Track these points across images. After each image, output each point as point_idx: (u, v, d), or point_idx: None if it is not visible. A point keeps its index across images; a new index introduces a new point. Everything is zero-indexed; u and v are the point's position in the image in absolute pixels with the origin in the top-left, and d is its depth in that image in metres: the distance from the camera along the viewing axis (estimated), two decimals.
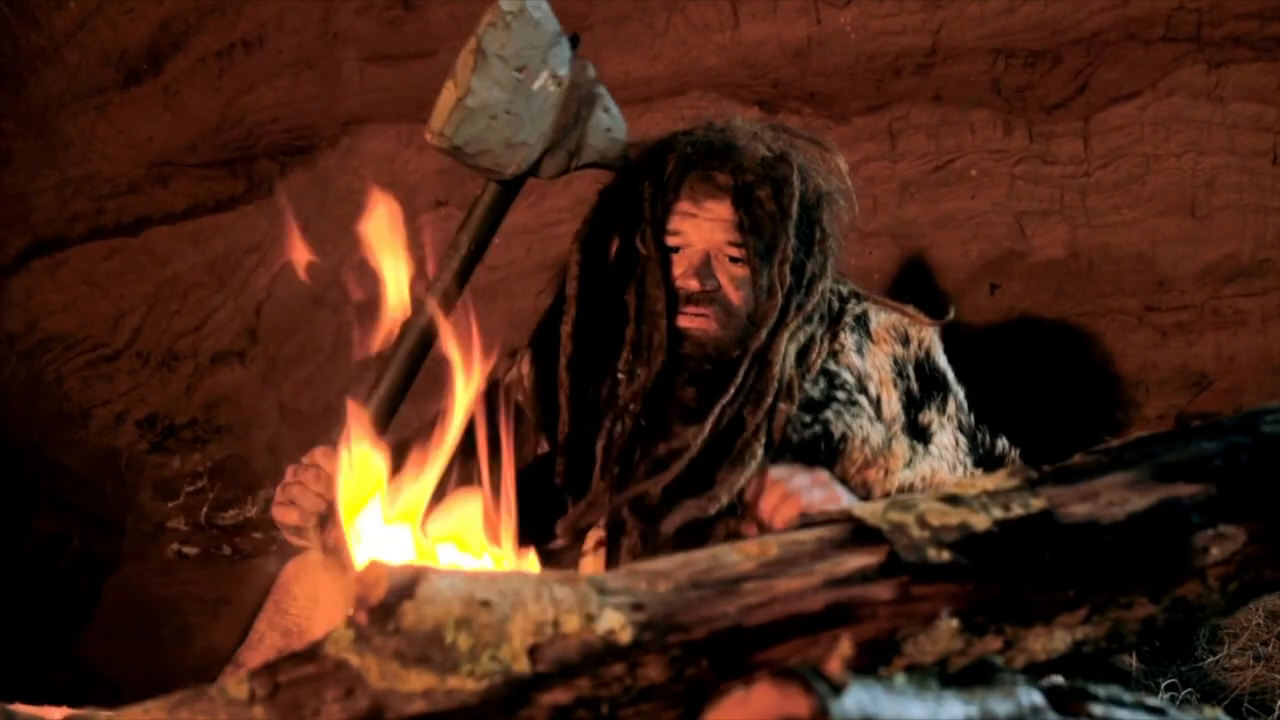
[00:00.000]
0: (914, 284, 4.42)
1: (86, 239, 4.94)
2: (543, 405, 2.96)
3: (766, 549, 1.39)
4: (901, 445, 2.90)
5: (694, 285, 2.88)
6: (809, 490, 2.61)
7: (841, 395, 2.90)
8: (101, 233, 4.94)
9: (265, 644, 2.77)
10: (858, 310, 3.04)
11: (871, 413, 2.92)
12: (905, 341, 3.02)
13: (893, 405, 2.93)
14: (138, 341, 4.94)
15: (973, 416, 3.02)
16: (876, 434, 2.89)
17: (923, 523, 1.40)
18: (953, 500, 1.43)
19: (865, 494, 2.81)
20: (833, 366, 2.94)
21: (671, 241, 2.94)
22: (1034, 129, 4.37)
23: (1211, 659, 3.59)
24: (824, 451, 2.82)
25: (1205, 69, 4.24)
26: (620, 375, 2.91)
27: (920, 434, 2.93)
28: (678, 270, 2.92)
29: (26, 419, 5.12)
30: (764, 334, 2.84)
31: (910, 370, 2.99)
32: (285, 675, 1.28)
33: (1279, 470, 1.50)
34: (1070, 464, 1.51)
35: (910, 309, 3.12)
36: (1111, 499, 1.45)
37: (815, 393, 2.89)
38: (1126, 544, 1.43)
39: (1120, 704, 1.29)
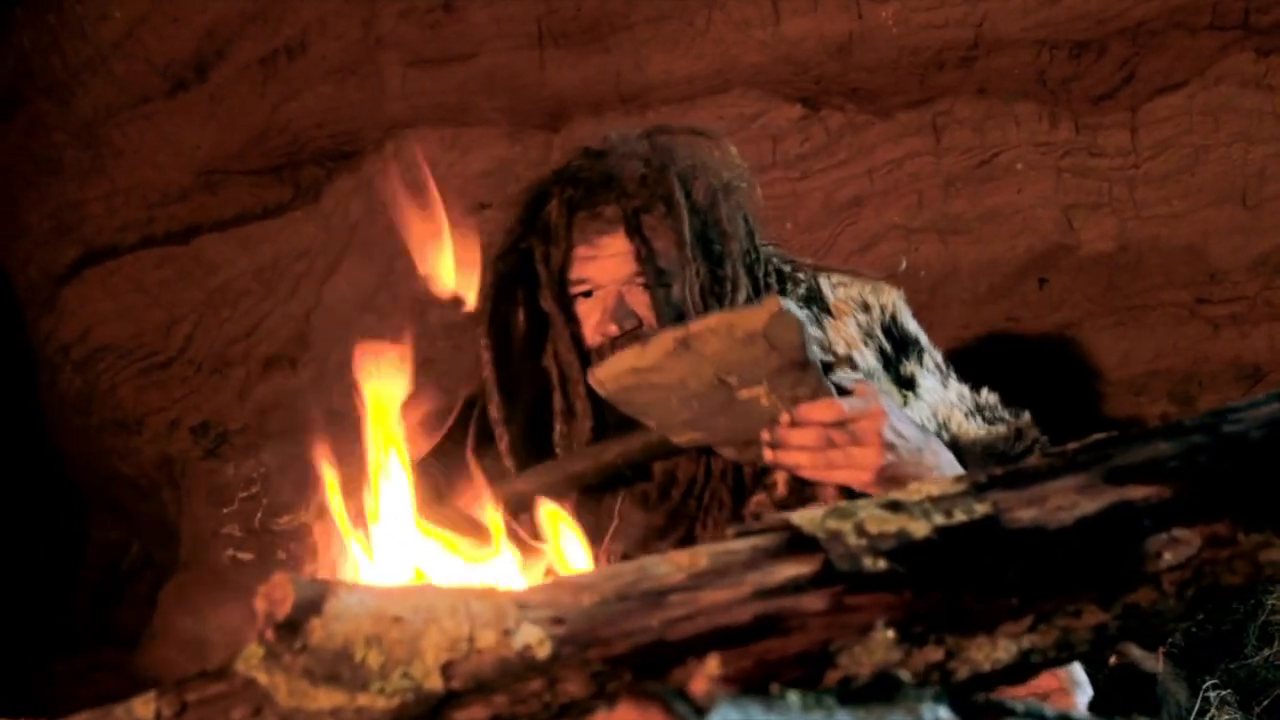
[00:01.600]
0: (961, 280, 4.38)
1: (138, 247, 4.97)
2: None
3: (697, 560, 1.36)
4: (888, 387, 2.83)
5: (612, 329, 2.79)
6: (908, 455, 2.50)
7: None
8: (152, 241, 4.96)
9: None
10: (802, 290, 2.95)
11: (845, 369, 2.84)
12: (865, 309, 2.93)
13: (868, 360, 2.84)
14: (190, 349, 4.96)
15: (953, 373, 2.96)
16: (856, 380, 2.82)
17: (860, 530, 1.37)
18: (894, 506, 1.40)
19: None
20: None
21: (578, 290, 2.84)
22: (1080, 121, 4.33)
23: (1259, 656, 3.52)
24: None
25: (1254, 56, 4.19)
26: (558, 450, 2.84)
27: (906, 383, 2.86)
28: (594, 317, 2.83)
29: (82, 427, 5.17)
30: None
31: (878, 332, 2.91)
32: (193, 694, 1.27)
33: (1239, 472, 1.45)
34: (1021, 467, 1.47)
35: (866, 271, 3.06)
36: (1060, 503, 1.41)
37: None
38: (1074, 550, 1.39)
39: (1041, 718, 1.26)
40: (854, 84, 4.42)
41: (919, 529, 1.37)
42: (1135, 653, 2.81)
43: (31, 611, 5.25)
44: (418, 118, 4.66)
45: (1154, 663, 2.85)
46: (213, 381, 4.97)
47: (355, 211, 4.74)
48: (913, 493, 1.43)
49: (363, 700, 1.24)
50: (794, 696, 1.15)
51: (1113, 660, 2.72)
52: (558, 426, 2.86)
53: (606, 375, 2.48)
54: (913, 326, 2.98)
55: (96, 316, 5.02)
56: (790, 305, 2.36)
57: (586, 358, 2.83)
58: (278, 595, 1.26)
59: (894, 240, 4.42)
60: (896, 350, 2.89)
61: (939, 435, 2.77)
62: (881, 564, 1.34)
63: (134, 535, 5.42)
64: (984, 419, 2.87)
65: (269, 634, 1.26)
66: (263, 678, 1.25)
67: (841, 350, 2.84)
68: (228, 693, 1.26)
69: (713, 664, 1.10)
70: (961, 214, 4.38)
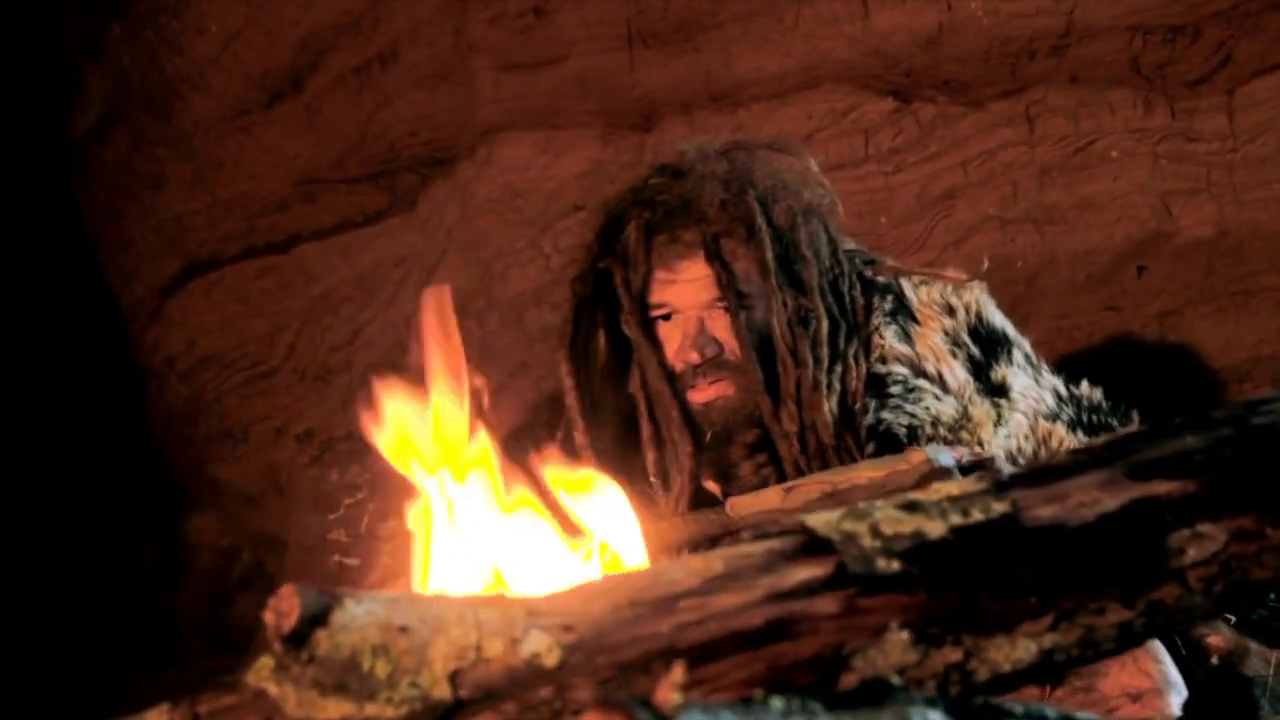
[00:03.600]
0: (1058, 270, 4.33)
1: (239, 258, 5.03)
2: None
3: (712, 564, 1.36)
4: (981, 409, 2.79)
5: (694, 358, 2.80)
6: None
7: (895, 390, 2.80)
8: (253, 251, 5.02)
9: None
10: (889, 304, 2.92)
11: (935, 390, 2.81)
12: (951, 312, 2.90)
13: (958, 375, 2.82)
14: (293, 358, 5.01)
15: (1044, 364, 2.93)
16: (948, 408, 2.79)
17: (875, 531, 1.36)
18: (910, 507, 1.39)
19: None
20: (879, 369, 2.84)
21: (658, 314, 2.85)
22: (1176, 106, 4.26)
23: None
24: (898, 452, 2.70)
25: None
26: (653, 480, 2.83)
27: (999, 390, 2.83)
28: (674, 344, 2.84)
29: (189, 437, 5.23)
30: (795, 409, 2.76)
31: (965, 337, 2.88)
32: (205, 707, 1.28)
33: (1267, 464, 1.43)
34: (1045, 464, 1.45)
35: (949, 272, 3.02)
36: (1082, 500, 1.39)
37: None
38: (1095, 547, 1.37)
39: (1042, 718, 1.24)
40: (945, 75, 4.39)
41: (935, 529, 1.36)
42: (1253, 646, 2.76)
43: (143, 620, 5.33)
44: (510, 122, 4.67)
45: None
46: (316, 389, 5.01)
47: (451, 217, 4.77)
48: (932, 493, 1.42)
49: (371, 710, 1.24)
50: (777, 702, 1.14)
51: (1213, 660, 2.67)
52: (649, 454, 2.86)
53: (744, 506, 2.47)
54: (999, 320, 2.95)
55: (200, 327, 5.08)
56: (939, 454, 2.34)
57: (675, 378, 2.83)
58: (284, 607, 1.27)
59: (989, 232, 4.37)
60: (985, 353, 2.86)
61: (1036, 455, 2.75)
62: (895, 565, 1.33)
63: (243, 543, 5.48)
64: (1085, 425, 2.84)
65: (276, 646, 1.27)
66: (273, 689, 1.26)
67: (931, 368, 2.82)
68: (238, 704, 1.27)
69: (677, 672, 1.10)
70: (1057, 203, 4.33)
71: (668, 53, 4.54)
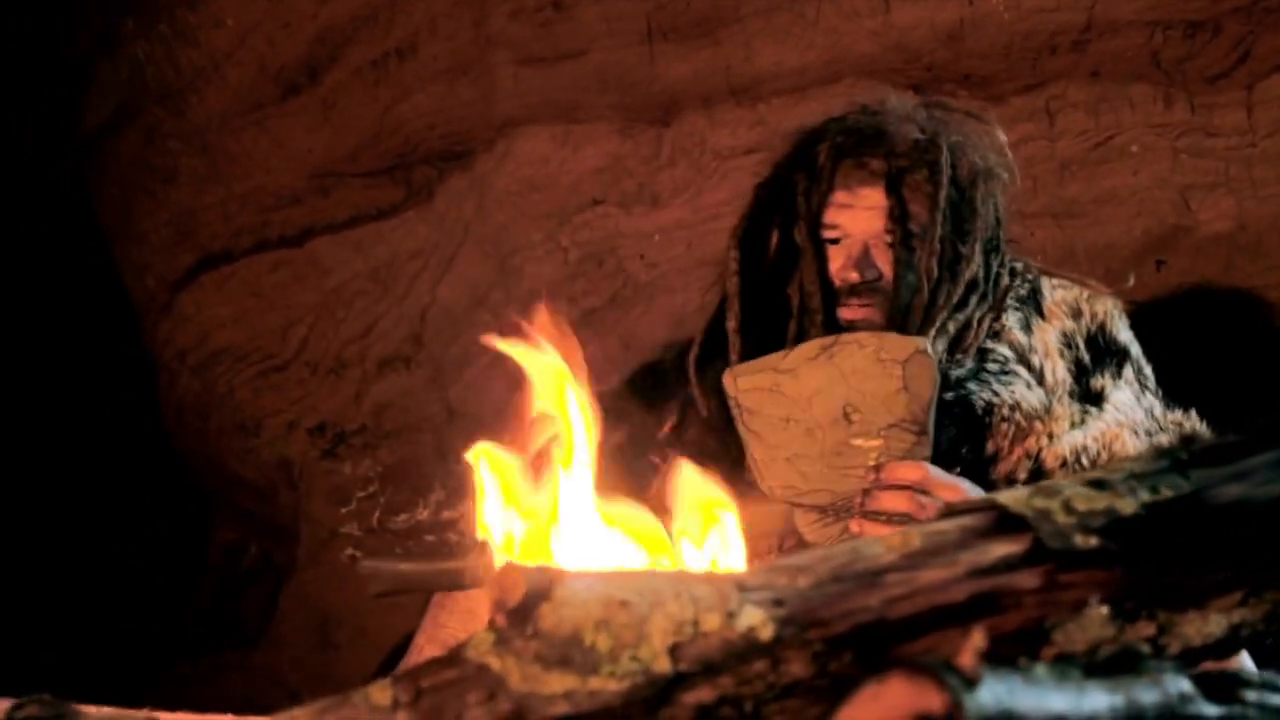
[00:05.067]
0: (1078, 264, 4.35)
1: (252, 252, 5.01)
2: (721, 403, 2.86)
3: (909, 540, 1.38)
4: (1065, 407, 2.84)
5: (854, 277, 2.87)
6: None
7: (992, 367, 2.86)
8: (267, 245, 5.00)
9: (424, 657, 2.77)
10: (1023, 290, 3.00)
11: (1030, 379, 2.87)
12: (1076, 315, 2.98)
13: (1058, 373, 2.88)
14: (306, 351, 4.99)
15: (1154, 388, 2.98)
16: (1032, 398, 2.84)
17: (1068, 508, 1.38)
18: (1099, 484, 1.41)
19: (1032, 465, 2.76)
20: (989, 344, 2.90)
21: (829, 235, 2.93)
22: (1195, 101, 4.29)
23: None
24: (970, 425, 2.76)
25: None
26: None
27: (1093, 399, 2.88)
28: (838, 262, 2.91)
29: (201, 431, 5.21)
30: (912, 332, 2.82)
31: (1079, 341, 2.94)
32: (427, 681, 1.29)
33: None
34: (1219, 443, 1.47)
35: (1091, 281, 3.08)
36: (1263, 478, 1.42)
37: (961, 371, 2.83)
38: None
39: (1276, 689, 1.26)
40: (966, 70, 4.41)
41: (1126, 506, 1.38)
42: None
43: (154, 614, 5.32)
44: (529, 116, 4.67)
45: None
46: (329, 383, 5.00)
47: (468, 210, 4.76)
48: (1114, 470, 1.44)
49: (594, 683, 1.26)
50: (1041, 668, 1.16)
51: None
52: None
53: (742, 372, 2.52)
54: (1123, 336, 3.01)
55: (213, 321, 5.06)
56: (934, 354, 2.41)
57: (832, 291, 2.92)
58: (509, 582, 1.29)
59: (1008, 226, 4.40)
60: (1094, 361, 2.92)
61: (1098, 457, 2.80)
62: (1093, 541, 1.35)
63: (253, 536, 5.46)
64: (1147, 432, 2.88)
65: (500, 620, 1.28)
66: (495, 663, 1.27)
67: (1036, 360, 2.88)
68: (461, 678, 1.28)
69: (977, 638, 1.11)
70: (1077, 198, 4.36)
71: (688, 47, 4.55)
